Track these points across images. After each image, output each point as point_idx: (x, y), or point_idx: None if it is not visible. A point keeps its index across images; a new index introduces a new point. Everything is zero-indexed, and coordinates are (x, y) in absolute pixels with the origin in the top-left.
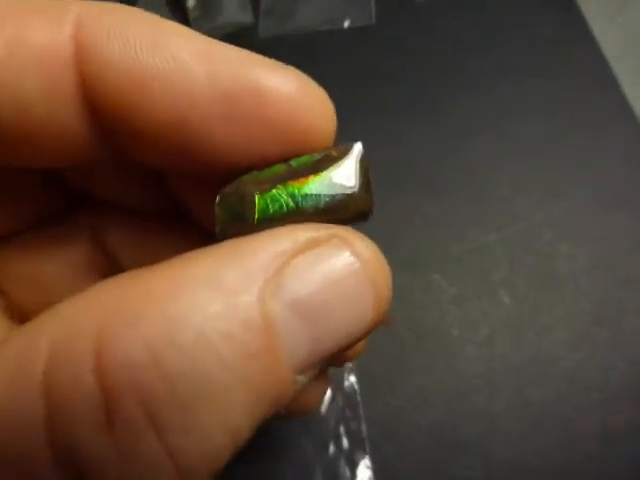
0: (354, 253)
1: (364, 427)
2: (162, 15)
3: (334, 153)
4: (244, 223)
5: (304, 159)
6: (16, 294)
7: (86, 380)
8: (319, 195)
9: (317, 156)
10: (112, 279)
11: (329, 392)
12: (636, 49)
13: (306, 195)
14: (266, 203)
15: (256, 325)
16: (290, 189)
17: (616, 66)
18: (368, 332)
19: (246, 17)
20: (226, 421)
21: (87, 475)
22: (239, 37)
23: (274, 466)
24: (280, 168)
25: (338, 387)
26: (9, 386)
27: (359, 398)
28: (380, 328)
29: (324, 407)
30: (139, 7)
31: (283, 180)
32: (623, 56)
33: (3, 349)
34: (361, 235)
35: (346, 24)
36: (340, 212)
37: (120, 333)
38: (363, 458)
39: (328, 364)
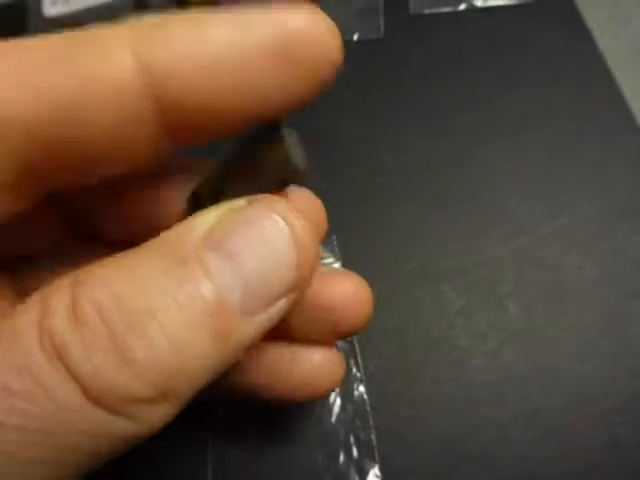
0: (271, 210)
1: (374, 437)
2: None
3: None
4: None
5: None
6: None
7: (65, 294)
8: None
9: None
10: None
11: (338, 402)
12: None
13: None
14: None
15: (190, 263)
16: None
17: (621, 79)
18: (296, 281)
19: None
20: (168, 333)
21: (64, 359)
22: None
23: (283, 475)
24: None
25: (347, 397)
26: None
27: (368, 408)
28: (395, 338)
29: (334, 417)
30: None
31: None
32: (628, 70)
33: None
34: (290, 206)
35: (355, 37)
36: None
37: (87, 274)
38: (373, 467)
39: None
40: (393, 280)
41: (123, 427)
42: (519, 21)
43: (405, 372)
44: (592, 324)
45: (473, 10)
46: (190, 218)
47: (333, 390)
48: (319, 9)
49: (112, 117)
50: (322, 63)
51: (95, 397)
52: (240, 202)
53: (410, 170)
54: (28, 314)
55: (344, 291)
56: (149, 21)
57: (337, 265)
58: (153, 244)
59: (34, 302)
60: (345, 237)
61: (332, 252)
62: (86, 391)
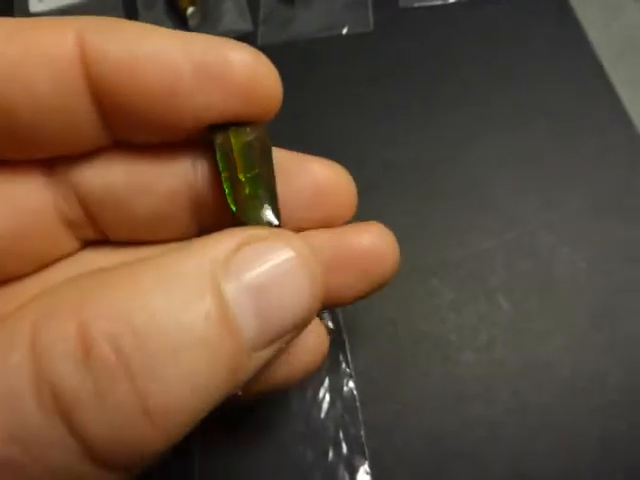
0: (291, 247)
1: (363, 433)
2: (163, 24)
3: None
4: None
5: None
6: None
7: (68, 328)
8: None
9: None
10: (87, 272)
11: (328, 398)
12: (631, 54)
13: None
14: None
15: (210, 298)
16: None
17: (612, 71)
18: (308, 316)
19: (245, 25)
20: (189, 376)
21: (67, 410)
22: None
23: (273, 472)
24: None
25: (337, 393)
26: None
27: (358, 404)
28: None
29: (323, 413)
30: (140, 16)
31: None
32: (619, 61)
33: None
34: (300, 237)
35: (344, 31)
36: None
37: (99, 298)
38: (362, 464)
39: (284, 343)
40: None
41: (121, 477)
42: (509, 14)
43: (395, 367)
44: (583, 317)
45: (463, 3)
46: (209, 241)
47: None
48: (261, 54)
49: (49, 83)
50: (259, 99)
51: (101, 459)
52: (261, 232)
53: (401, 164)
54: (16, 351)
55: (368, 239)
56: (104, 18)
57: None
58: (169, 267)
59: (21, 332)
60: None
61: None
62: (90, 452)
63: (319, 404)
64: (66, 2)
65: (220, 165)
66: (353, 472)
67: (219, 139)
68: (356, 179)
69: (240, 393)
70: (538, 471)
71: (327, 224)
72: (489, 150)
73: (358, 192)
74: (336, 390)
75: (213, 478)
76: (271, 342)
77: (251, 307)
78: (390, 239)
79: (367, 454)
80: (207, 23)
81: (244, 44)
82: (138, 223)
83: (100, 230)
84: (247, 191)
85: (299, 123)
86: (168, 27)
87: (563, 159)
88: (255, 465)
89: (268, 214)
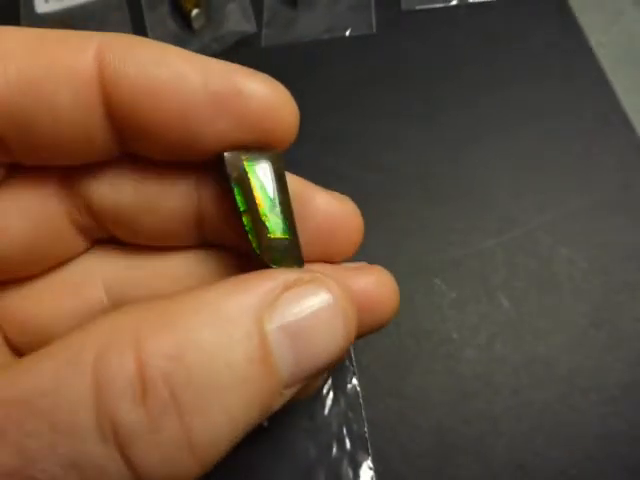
0: (329, 291)
1: (366, 429)
2: (167, 25)
3: None
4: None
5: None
6: (12, 334)
7: (128, 366)
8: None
9: None
10: (142, 302)
11: (331, 395)
12: (631, 58)
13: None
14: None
15: (255, 339)
16: None
17: (612, 74)
18: (341, 354)
19: (249, 27)
20: (228, 412)
21: (124, 443)
22: (242, 46)
23: (277, 467)
24: None
25: (340, 390)
26: (62, 377)
27: (361, 401)
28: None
29: (327, 409)
30: (145, 17)
31: None
32: (619, 64)
33: (50, 353)
34: (336, 280)
35: (347, 33)
36: None
37: (156, 335)
38: (366, 460)
39: (312, 380)
40: None
41: None
42: (510, 16)
43: (397, 365)
44: (583, 316)
45: (465, 5)
46: (254, 281)
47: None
48: (279, 84)
49: (70, 98)
50: (276, 130)
51: None
52: (303, 276)
53: (402, 165)
54: (80, 381)
55: (368, 283)
56: (125, 36)
57: None
58: (219, 305)
59: (84, 362)
60: None
61: None
62: (139, 479)
63: (323, 401)
64: (72, 3)
65: (239, 202)
66: (356, 467)
67: (234, 172)
68: (357, 179)
69: (266, 424)
70: (538, 466)
71: (328, 258)
72: (490, 151)
73: (361, 193)
74: (340, 387)
75: (217, 472)
76: (303, 380)
77: (289, 349)
78: (391, 284)
79: (370, 450)
80: (211, 25)
81: (262, 74)
82: (145, 235)
83: (110, 233)
84: (271, 231)
85: (301, 125)
86: (172, 28)
87: (562, 160)
88: (259, 460)
89: (294, 254)
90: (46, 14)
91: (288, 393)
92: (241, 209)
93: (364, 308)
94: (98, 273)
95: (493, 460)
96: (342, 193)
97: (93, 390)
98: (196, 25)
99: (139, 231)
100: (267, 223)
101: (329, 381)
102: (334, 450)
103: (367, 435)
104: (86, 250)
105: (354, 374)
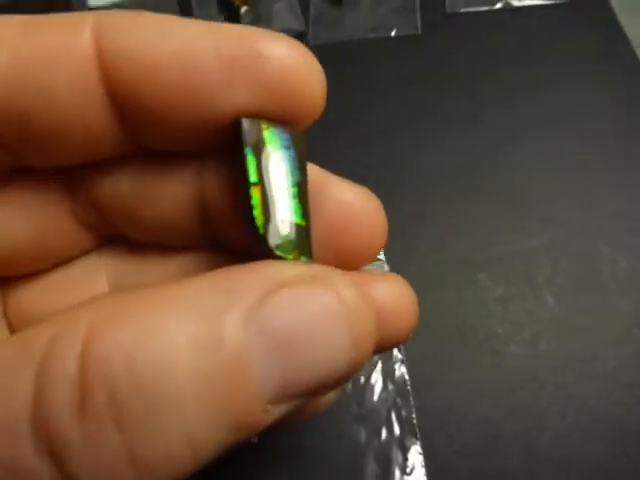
0: (335, 295)
1: (415, 415)
2: (215, 21)
3: None
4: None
5: None
6: (21, 329)
7: (70, 366)
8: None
9: None
10: (111, 293)
11: (380, 382)
12: None
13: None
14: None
15: (227, 346)
16: None
17: None
18: (347, 373)
19: (298, 24)
20: (187, 431)
21: (59, 456)
22: None
23: (328, 451)
24: None
25: (389, 377)
26: (7, 370)
27: (409, 388)
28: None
29: (376, 396)
30: (194, 12)
31: None
32: None
33: (8, 340)
34: (348, 279)
35: (393, 33)
36: None
37: (105, 332)
38: (414, 444)
39: (312, 397)
40: (431, 268)
41: None
42: (555, 21)
43: (444, 356)
44: (626, 313)
45: (509, 9)
46: (236, 276)
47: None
48: (302, 46)
49: (65, 84)
50: (298, 99)
51: None
52: (303, 272)
53: (447, 163)
54: (24, 375)
55: (389, 290)
56: (123, 12)
57: (380, 254)
58: (188, 299)
59: (30, 363)
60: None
61: None
62: None
63: (372, 387)
64: None
65: (251, 172)
66: (405, 452)
67: (250, 137)
68: (402, 179)
69: (255, 440)
70: (582, 459)
71: (343, 262)
72: (530, 152)
73: (405, 192)
74: (388, 374)
75: (272, 453)
76: (297, 397)
77: (275, 359)
78: (411, 296)
79: (419, 435)
80: (259, 22)
81: (282, 35)
82: (148, 229)
83: (116, 230)
84: (281, 213)
85: (343, 123)
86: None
87: (604, 161)
88: (309, 445)
89: (304, 245)
90: (98, 7)
91: (277, 410)
92: (252, 180)
93: (383, 320)
94: (103, 270)
95: (539, 451)
96: (387, 190)
97: (34, 391)
98: (244, 22)
99: (141, 225)
100: (278, 201)
101: (378, 367)
102: (383, 435)
103: (415, 421)
104: (94, 247)
105: (402, 362)
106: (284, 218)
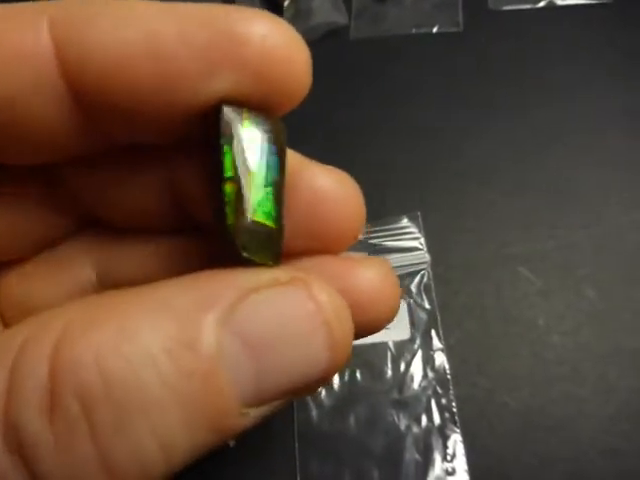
0: (310, 296)
1: (454, 404)
2: None
3: None
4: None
5: None
6: (10, 317)
7: (41, 369)
8: None
9: None
10: (89, 296)
11: (420, 370)
12: None
13: None
14: None
15: (200, 348)
16: None
17: None
18: (325, 374)
19: (341, 18)
20: (159, 434)
21: (30, 459)
22: (331, 38)
23: (368, 438)
24: None
25: (429, 365)
26: None
27: (449, 377)
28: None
29: (416, 384)
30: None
31: None
32: None
33: None
34: (323, 281)
35: (435, 29)
36: None
37: (77, 336)
38: (455, 432)
39: (291, 399)
40: (472, 259)
41: None
42: (599, 20)
43: (485, 346)
44: None
45: (552, 7)
46: (215, 279)
47: None
48: (283, 21)
49: (25, 83)
50: (277, 80)
51: None
52: (281, 275)
53: (492, 157)
54: None
55: (366, 278)
56: (73, 2)
57: (421, 240)
58: (160, 305)
59: (3, 364)
60: (428, 215)
61: (417, 227)
62: None
63: (412, 375)
64: None
65: (226, 166)
66: (446, 439)
67: (228, 129)
68: (449, 169)
69: (232, 444)
70: (625, 448)
71: (319, 248)
72: (574, 148)
73: (450, 186)
74: (428, 362)
75: (313, 436)
76: (274, 399)
77: (249, 362)
78: (392, 279)
79: (459, 424)
80: (301, 15)
81: (257, 10)
82: (126, 216)
83: (95, 215)
84: (253, 212)
85: (383, 118)
86: None
87: None
88: (350, 430)
89: (273, 248)
90: None
91: (254, 413)
92: (226, 175)
93: (362, 306)
94: (86, 254)
95: (580, 441)
96: (432, 179)
97: (5, 392)
98: (287, 15)
99: (119, 212)
100: (252, 200)
101: (418, 355)
102: (424, 421)
103: (455, 409)
104: (76, 231)
105: (442, 352)
106: (256, 219)
